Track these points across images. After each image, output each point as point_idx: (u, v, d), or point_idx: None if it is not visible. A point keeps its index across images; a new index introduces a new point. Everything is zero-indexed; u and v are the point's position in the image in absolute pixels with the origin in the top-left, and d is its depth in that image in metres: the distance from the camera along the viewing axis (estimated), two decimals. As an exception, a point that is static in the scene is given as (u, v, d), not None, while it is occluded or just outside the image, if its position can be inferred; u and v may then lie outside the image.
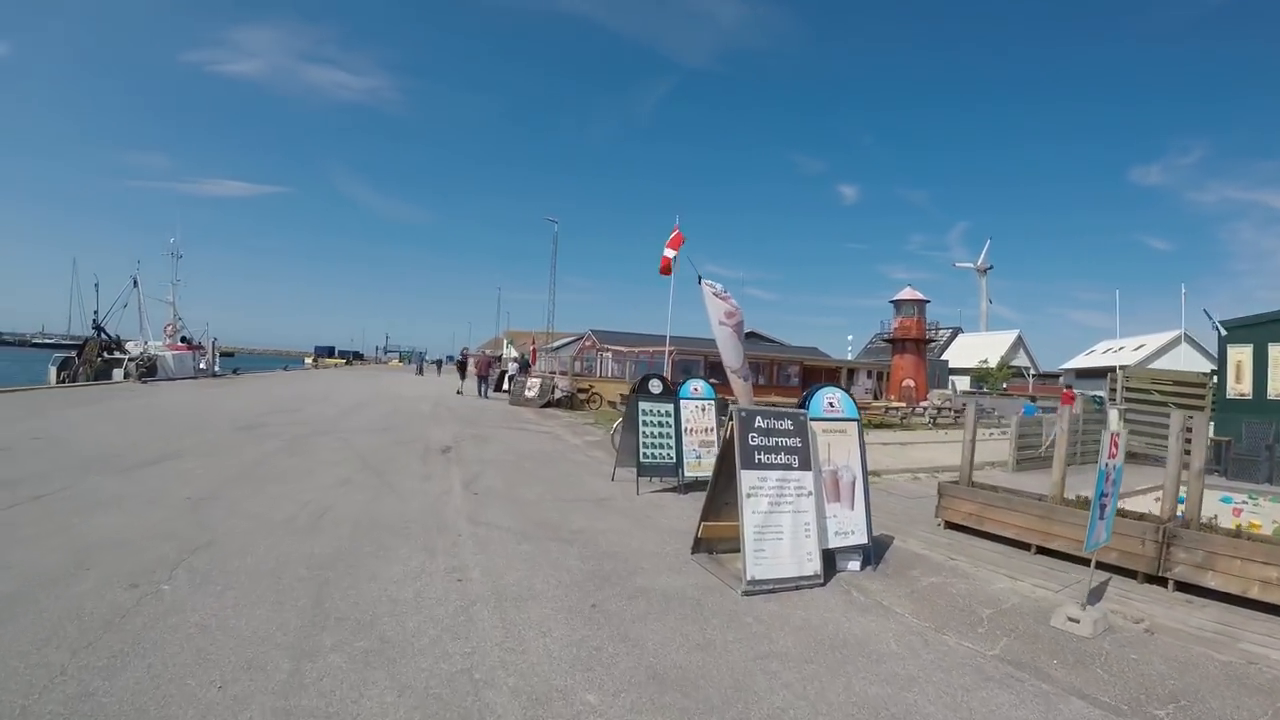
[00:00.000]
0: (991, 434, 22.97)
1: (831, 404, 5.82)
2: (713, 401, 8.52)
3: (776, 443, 5.14)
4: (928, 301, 41.29)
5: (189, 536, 5.17)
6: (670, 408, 8.25)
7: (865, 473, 5.89)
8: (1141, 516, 6.04)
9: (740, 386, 8.32)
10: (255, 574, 4.39)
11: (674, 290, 11.09)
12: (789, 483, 5.13)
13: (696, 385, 8.48)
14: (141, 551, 4.78)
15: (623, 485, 8.26)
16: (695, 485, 8.18)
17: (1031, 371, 54.60)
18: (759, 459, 5.02)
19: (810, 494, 5.23)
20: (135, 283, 30.04)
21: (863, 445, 5.97)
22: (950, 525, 7.41)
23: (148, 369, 25.88)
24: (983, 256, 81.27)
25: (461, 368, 29.13)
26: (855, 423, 5.96)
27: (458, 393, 25.35)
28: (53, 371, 25.07)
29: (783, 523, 5.01)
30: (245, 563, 4.60)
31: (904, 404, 26.76)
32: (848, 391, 6.01)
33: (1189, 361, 41.83)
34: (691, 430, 8.27)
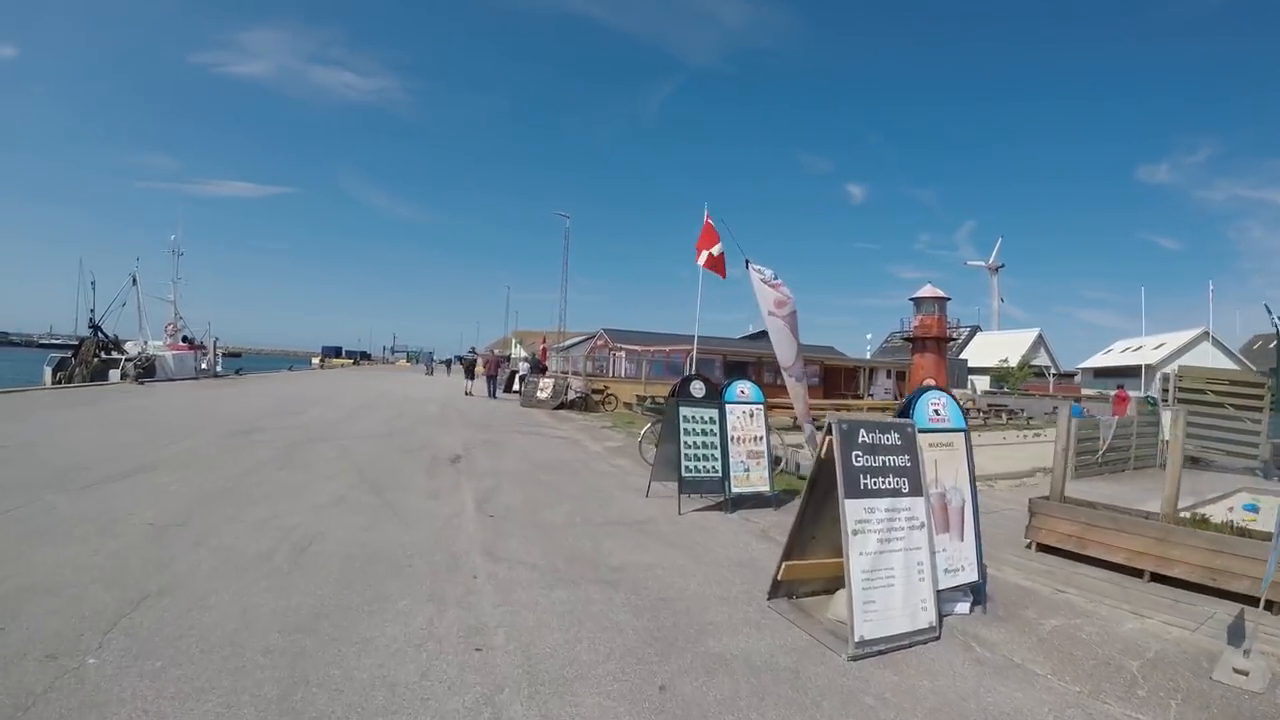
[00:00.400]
0: (1025, 436, 21.80)
1: (937, 411, 4.73)
2: (761, 406, 7.40)
3: (883, 463, 4.05)
4: (948, 299, 40.02)
5: (140, 579, 4.12)
6: (714, 413, 7.13)
7: (975, 495, 4.84)
8: (1267, 537, 5.13)
9: (795, 388, 7.19)
10: (211, 641, 3.32)
11: (701, 287, 10.01)
12: (899, 513, 4.06)
13: (743, 387, 7.36)
14: (77, 602, 3.73)
15: (659, 503, 7.16)
16: (742, 502, 7.10)
17: (1052, 371, 53.18)
18: (865, 484, 3.93)
19: (923, 525, 4.18)
20: (134, 280, 29.13)
21: (971, 462, 4.90)
22: (1043, 548, 6.47)
23: (145, 369, 24.93)
24: (994, 255, 80.00)
25: (470, 368, 27.68)
26: (963, 433, 4.88)
27: (467, 394, 24.31)
28: (47, 372, 24.14)
29: (894, 564, 3.96)
30: (201, 622, 3.53)
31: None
32: (952, 396, 4.91)
33: (1214, 361, 40.45)
34: (738, 439, 7.16)
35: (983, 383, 46.69)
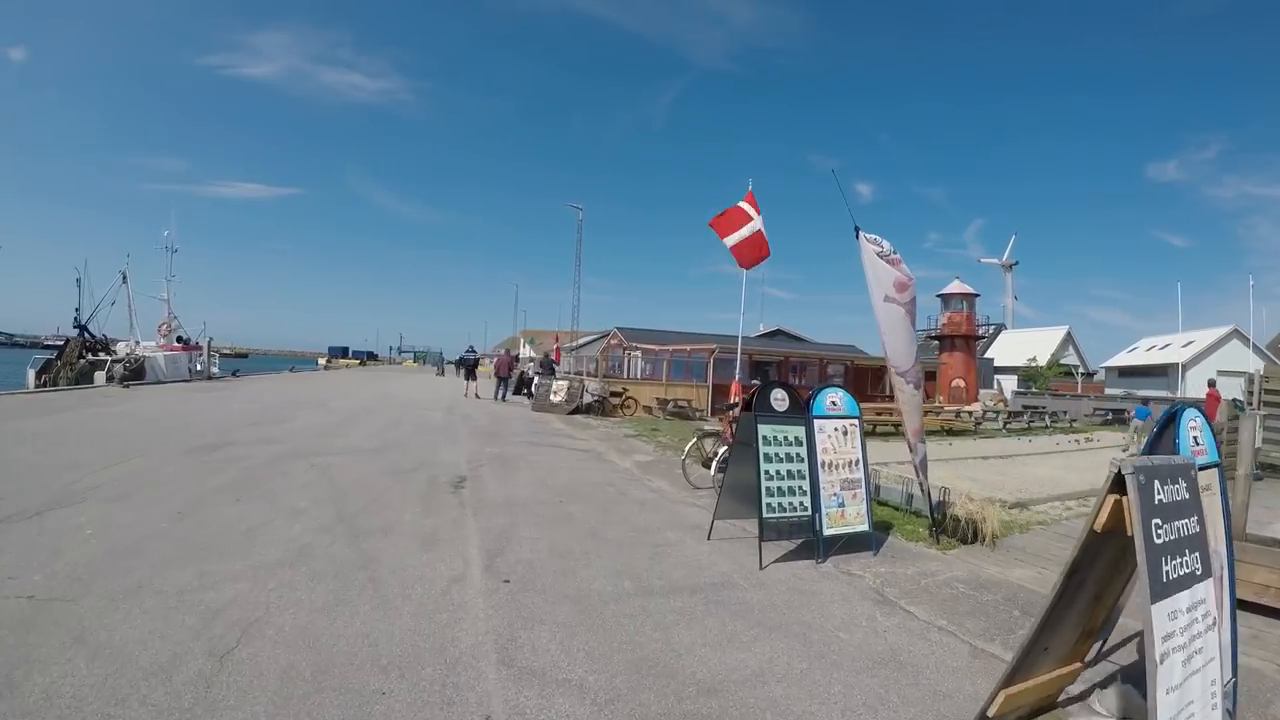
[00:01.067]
0: (1078, 442, 19.90)
1: (1196, 439, 3.06)
2: (857, 420, 5.70)
3: (1178, 533, 2.39)
4: (977, 295, 38.14)
5: (-57, 723, 2.50)
6: (801, 432, 5.43)
7: (1233, 557, 3.19)
8: None
9: (910, 397, 5.47)
10: None
11: (745, 285, 8.52)
12: (1196, 612, 2.43)
13: (834, 397, 5.66)
14: None
15: (726, 548, 5.49)
16: (832, 544, 5.41)
17: (1080, 370, 51.14)
18: (1168, 572, 2.28)
19: (1215, 623, 2.56)
20: (124, 278, 27.72)
21: (1228, 508, 3.25)
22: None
23: (133, 371, 23.48)
24: (1007, 252, 77.86)
25: (471, 369, 24.42)
26: (1216, 469, 3.22)
27: (477, 396, 22.61)
28: (30, 375, 22.72)
29: (1192, 695, 2.38)
30: None
31: (978, 407, 23.85)
32: (1204, 414, 3.23)
33: (1249, 358, 38.42)
34: (830, 464, 5.47)
35: (1010, 382, 44.74)
